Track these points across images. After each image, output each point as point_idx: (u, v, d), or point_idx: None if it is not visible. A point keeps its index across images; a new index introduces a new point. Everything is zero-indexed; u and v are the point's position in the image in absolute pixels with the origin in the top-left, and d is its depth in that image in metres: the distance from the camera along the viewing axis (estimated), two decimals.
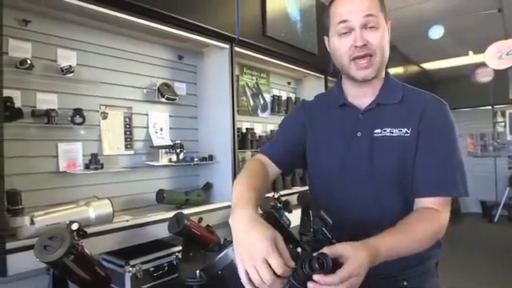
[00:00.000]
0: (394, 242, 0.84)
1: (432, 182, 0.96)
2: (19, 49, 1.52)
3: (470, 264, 4.12)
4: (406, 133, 0.99)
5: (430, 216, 0.93)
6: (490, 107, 7.06)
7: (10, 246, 1.23)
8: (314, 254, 0.70)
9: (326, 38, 1.11)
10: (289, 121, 1.23)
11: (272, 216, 0.83)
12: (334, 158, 1.08)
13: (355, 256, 0.72)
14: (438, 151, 0.98)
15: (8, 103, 1.41)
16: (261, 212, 0.87)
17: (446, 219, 0.96)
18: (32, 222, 1.33)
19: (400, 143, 0.99)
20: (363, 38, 0.97)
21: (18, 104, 1.48)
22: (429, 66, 6.47)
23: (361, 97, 1.08)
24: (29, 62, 1.50)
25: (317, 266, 0.68)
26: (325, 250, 0.72)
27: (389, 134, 1.01)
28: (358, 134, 1.04)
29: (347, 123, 1.08)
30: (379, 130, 1.02)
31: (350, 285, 0.70)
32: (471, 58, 5.70)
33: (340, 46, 1.01)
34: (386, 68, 1.09)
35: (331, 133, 1.11)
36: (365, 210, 1.02)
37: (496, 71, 5.29)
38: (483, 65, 5.22)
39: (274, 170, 1.13)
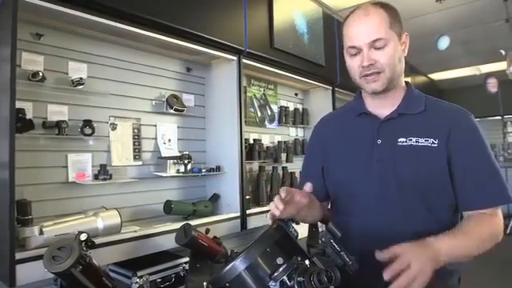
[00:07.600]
0: (454, 243, 0.88)
1: (483, 195, 0.98)
2: (32, 62, 1.55)
3: (483, 277, 4.01)
4: (433, 143, 1.00)
5: (487, 219, 0.96)
6: (499, 117, 6.98)
7: (19, 256, 1.24)
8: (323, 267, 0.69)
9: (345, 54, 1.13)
10: (308, 152, 1.31)
11: (280, 227, 0.83)
12: (354, 166, 1.08)
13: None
14: (480, 163, 1.00)
15: (20, 114, 1.44)
16: (269, 223, 0.87)
17: (502, 224, 0.98)
18: (41, 232, 1.34)
19: (427, 153, 0.99)
20: (370, 57, 1.00)
21: (29, 115, 1.51)
22: (436, 76, 6.43)
23: (381, 107, 1.09)
24: (41, 74, 1.53)
25: (325, 279, 0.67)
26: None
27: (415, 144, 1.01)
28: (379, 142, 1.05)
29: (366, 131, 1.08)
30: (404, 139, 1.02)
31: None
32: (480, 68, 5.67)
33: (352, 65, 1.05)
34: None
35: (349, 141, 1.12)
36: (385, 218, 1.01)
37: (504, 81, 5.24)
38: (491, 75, 5.17)
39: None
